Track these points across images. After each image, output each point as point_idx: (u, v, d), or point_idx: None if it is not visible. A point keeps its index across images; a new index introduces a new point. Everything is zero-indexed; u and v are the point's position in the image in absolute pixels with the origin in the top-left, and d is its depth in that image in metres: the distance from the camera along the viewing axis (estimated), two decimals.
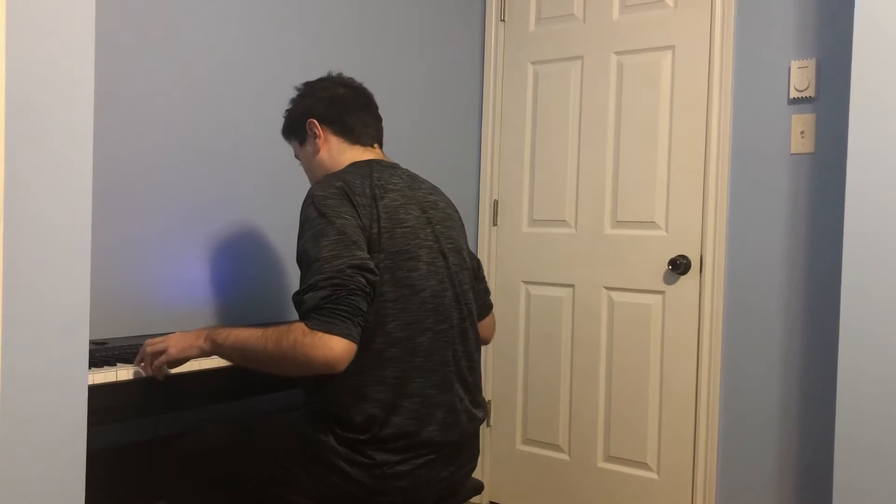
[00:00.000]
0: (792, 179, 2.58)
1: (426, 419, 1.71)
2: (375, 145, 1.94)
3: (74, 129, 1.27)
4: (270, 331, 1.62)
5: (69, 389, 1.28)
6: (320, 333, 1.55)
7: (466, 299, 1.86)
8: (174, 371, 1.79)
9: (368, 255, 1.65)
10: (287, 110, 1.99)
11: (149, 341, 1.75)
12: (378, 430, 1.66)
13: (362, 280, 1.60)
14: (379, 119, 1.97)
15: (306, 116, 1.91)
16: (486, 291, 2.04)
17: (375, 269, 1.64)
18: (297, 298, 1.62)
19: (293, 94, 1.98)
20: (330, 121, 1.90)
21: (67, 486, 1.28)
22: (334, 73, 1.99)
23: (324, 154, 1.90)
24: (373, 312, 1.66)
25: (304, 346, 1.55)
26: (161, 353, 1.72)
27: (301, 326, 1.57)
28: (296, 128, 1.95)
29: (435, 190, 1.92)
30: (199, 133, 2.29)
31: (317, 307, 1.57)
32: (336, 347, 1.55)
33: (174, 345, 1.72)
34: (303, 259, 1.66)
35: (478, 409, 1.85)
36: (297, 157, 2.01)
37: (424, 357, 1.72)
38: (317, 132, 1.90)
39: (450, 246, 1.84)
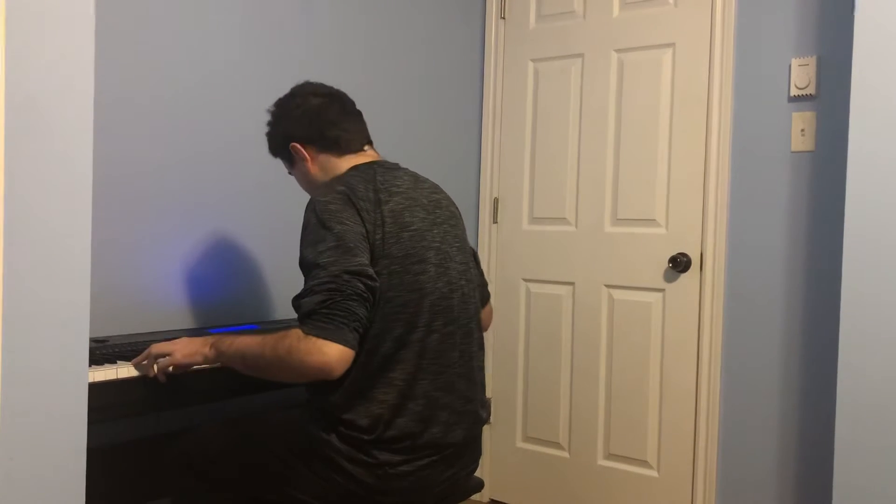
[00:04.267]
0: (792, 177, 2.57)
1: (430, 421, 1.70)
2: (366, 147, 1.89)
3: (74, 128, 1.26)
4: (269, 337, 1.61)
5: (69, 387, 1.28)
6: (314, 339, 1.53)
7: (472, 299, 1.86)
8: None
9: (367, 262, 1.63)
10: (267, 133, 1.95)
11: (156, 344, 1.75)
12: (382, 431, 1.66)
13: (360, 285, 1.58)
14: (359, 116, 1.92)
15: (287, 141, 1.87)
16: (485, 283, 2.03)
17: (375, 276, 1.62)
18: (295, 303, 1.61)
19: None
20: (312, 140, 1.86)
21: (67, 484, 1.28)
22: (301, 83, 1.94)
23: (315, 172, 1.87)
24: (379, 317, 1.65)
25: (298, 352, 1.54)
26: (166, 355, 1.72)
27: (297, 332, 1.56)
28: (280, 151, 1.92)
29: (436, 188, 1.91)
30: (199, 132, 2.29)
31: (312, 312, 1.55)
32: (330, 353, 1.53)
33: (181, 349, 1.72)
34: (302, 265, 1.65)
35: (482, 409, 1.85)
36: (290, 172, 1.98)
37: (432, 359, 1.71)
38: (302, 155, 1.86)
39: (456, 245, 1.84)
